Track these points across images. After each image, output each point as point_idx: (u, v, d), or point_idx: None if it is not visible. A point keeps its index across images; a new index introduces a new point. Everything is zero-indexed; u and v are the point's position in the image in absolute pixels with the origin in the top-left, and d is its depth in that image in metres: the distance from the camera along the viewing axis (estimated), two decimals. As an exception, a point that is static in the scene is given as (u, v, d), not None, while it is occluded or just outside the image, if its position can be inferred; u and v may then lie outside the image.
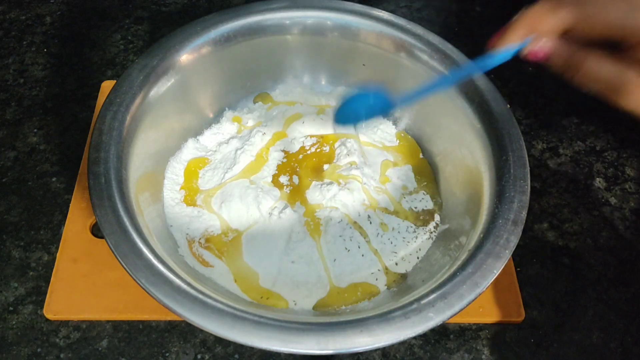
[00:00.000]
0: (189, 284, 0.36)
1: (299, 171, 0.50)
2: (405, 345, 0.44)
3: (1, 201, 0.50)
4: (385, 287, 0.45)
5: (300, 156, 0.51)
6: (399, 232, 0.47)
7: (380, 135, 0.53)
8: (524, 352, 0.45)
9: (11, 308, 0.45)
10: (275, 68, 0.55)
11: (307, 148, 0.52)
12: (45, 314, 0.44)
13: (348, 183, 0.48)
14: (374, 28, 0.51)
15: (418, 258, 0.46)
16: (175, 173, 0.49)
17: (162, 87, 0.47)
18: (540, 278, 0.48)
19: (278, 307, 0.43)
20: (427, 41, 0.50)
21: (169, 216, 0.47)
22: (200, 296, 0.36)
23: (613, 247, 0.50)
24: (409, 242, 0.47)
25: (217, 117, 0.54)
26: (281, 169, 0.50)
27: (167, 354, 0.43)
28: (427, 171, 0.52)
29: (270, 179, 0.49)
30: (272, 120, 0.53)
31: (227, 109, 0.54)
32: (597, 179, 0.54)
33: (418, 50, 0.50)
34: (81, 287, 0.44)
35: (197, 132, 0.52)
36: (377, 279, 0.45)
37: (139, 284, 0.36)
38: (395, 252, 0.46)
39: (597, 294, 0.48)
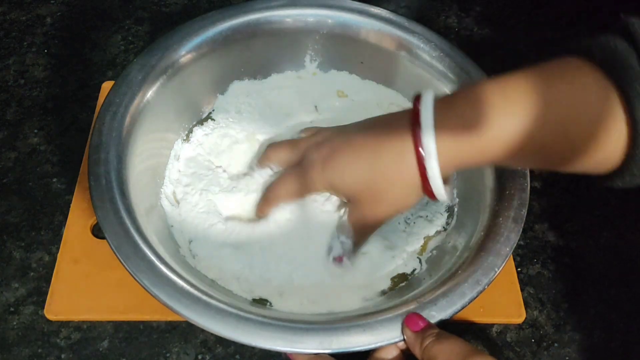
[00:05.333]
0: (191, 285, 0.36)
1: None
2: (406, 345, 0.44)
3: (2, 202, 0.50)
4: (389, 286, 0.45)
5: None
6: (403, 231, 0.47)
7: None
8: (525, 352, 0.45)
9: (12, 309, 0.45)
10: (273, 66, 0.55)
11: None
12: (46, 315, 0.44)
13: None
14: (373, 26, 0.51)
15: (419, 257, 0.46)
16: (175, 172, 0.49)
17: (161, 87, 0.47)
18: (541, 278, 0.48)
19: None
20: (427, 39, 0.50)
21: (169, 216, 0.47)
22: (204, 297, 0.36)
23: (614, 247, 0.50)
24: (410, 241, 0.47)
25: (216, 116, 0.54)
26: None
27: (167, 355, 0.43)
28: None
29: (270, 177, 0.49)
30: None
31: (225, 107, 0.54)
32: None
33: (417, 48, 0.50)
34: (82, 287, 0.44)
35: (196, 131, 0.52)
36: (383, 280, 0.45)
37: (141, 286, 0.36)
38: (398, 251, 0.46)
39: (598, 293, 0.48)
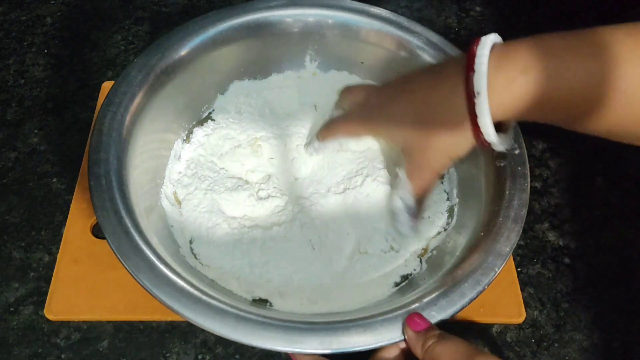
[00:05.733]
0: (191, 285, 0.36)
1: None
2: (407, 345, 0.44)
3: (2, 202, 0.50)
4: (392, 288, 0.44)
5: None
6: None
7: None
8: (525, 352, 0.45)
9: (12, 309, 0.45)
10: (273, 66, 0.55)
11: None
12: (46, 315, 0.44)
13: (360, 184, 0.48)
14: (373, 26, 0.51)
15: (420, 257, 0.46)
16: (175, 173, 0.49)
17: (161, 86, 0.47)
18: (541, 278, 0.48)
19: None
20: (427, 39, 0.50)
21: (169, 216, 0.47)
22: (204, 297, 0.36)
23: (614, 247, 0.50)
24: (413, 241, 0.47)
25: (216, 116, 0.53)
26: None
27: (167, 355, 0.43)
28: None
29: (269, 179, 0.49)
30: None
31: (225, 107, 0.54)
32: (598, 178, 0.54)
33: (417, 48, 0.50)
34: (82, 287, 0.44)
35: (196, 131, 0.52)
36: (383, 281, 0.45)
37: (141, 286, 0.36)
38: (401, 252, 0.46)
39: (598, 293, 0.48)
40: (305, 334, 0.35)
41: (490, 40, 0.35)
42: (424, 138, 0.39)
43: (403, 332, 0.36)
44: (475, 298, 0.37)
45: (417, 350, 0.35)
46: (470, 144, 0.38)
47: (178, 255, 0.43)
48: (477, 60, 0.34)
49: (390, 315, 0.36)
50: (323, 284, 0.44)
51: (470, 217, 0.44)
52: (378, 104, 0.43)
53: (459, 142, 0.38)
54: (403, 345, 0.37)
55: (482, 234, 0.41)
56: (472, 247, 0.40)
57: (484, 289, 0.38)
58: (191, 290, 0.36)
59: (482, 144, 0.37)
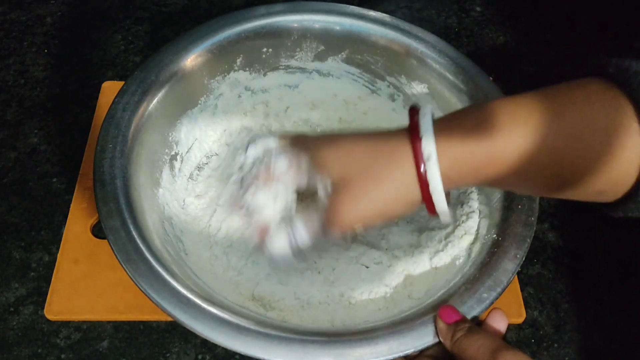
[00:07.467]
0: (193, 292, 0.36)
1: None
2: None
3: (2, 202, 0.50)
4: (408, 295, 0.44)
5: None
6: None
7: None
8: (525, 352, 0.44)
9: (12, 309, 0.45)
10: (274, 66, 0.55)
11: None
12: (46, 315, 0.44)
13: None
14: (376, 31, 0.51)
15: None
16: (179, 177, 0.49)
17: (164, 92, 0.47)
18: (541, 278, 0.48)
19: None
20: (428, 43, 0.50)
21: (174, 219, 0.46)
22: (208, 307, 0.35)
23: (614, 248, 0.50)
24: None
25: (219, 115, 0.53)
26: None
27: (167, 355, 0.43)
28: None
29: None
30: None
31: (226, 107, 0.54)
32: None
33: (419, 52, 0.50)
34: (82, 287, 0.44)
35: (199, 131, 0.52)
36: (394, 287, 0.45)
37: (143, 291, 0.36)
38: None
39: (598, 294, 0.48)
40: (309, 346, 0.34)
41: (429, 107, 0.34)
42: (367, 173, 0.34)
43: (435, 324, 0.36)
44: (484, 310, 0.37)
45: (447, 342, 0.35)
46: (411, 205, 0.35)
47: (179, 257, 0.43)
48: (420, 123, 0.33)
49: (412, 323, 0.36)
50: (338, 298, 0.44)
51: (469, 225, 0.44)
52: (317, 141, 0.37)
53: (401, 198, 0.34)
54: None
55: (494, 236, 0.41)
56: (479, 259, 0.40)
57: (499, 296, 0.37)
58: (194, 299, 0.36)
59: (429, 207, 0.35)
